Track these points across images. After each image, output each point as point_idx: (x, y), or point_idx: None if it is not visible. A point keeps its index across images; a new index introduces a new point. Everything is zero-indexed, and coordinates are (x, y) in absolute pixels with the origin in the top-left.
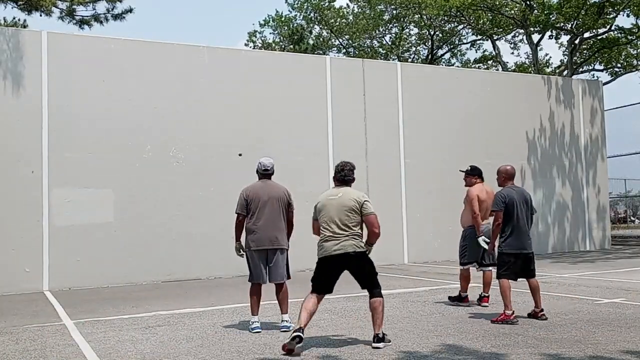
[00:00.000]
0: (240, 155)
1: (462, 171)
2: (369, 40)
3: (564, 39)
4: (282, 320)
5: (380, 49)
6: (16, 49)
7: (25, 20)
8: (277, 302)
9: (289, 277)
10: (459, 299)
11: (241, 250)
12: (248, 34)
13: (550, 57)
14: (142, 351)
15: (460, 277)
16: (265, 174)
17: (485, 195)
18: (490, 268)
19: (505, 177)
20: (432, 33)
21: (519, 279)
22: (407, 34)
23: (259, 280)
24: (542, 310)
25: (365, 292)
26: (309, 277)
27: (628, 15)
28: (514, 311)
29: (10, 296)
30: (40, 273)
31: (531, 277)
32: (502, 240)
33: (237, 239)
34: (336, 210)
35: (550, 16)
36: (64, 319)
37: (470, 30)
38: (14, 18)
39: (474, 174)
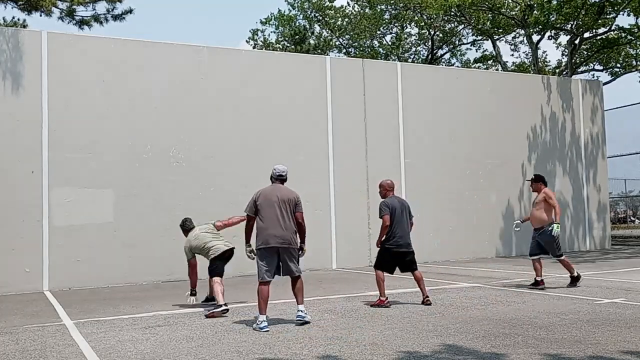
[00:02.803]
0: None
1: (528, 180)
2: (370, 40)
3: (564, 39)
4: (298, 310)
5: (381, 49)
6: (16, 49)
7: (25, 21)
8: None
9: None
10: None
11: (252, 253)
12: (250, 31)
13: (547, 54)
14: (142, 351)
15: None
16: (280, 179)
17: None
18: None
19: (387, 189)
20: (432, 33)
21: (404, 273)
22: (408, 34)
23: (266, 278)
24: (427, 296)
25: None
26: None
27: (628, 15)
28: (387, 297)
29: (10, 296)
30: (40, 273)
31: (414, 270)
32: (386, 239)
33: (247, 241)
34: None
35: (550, 16)
36: (64, 319)
37: (470, 30)
38: (14, 18)
39: (539, 181)
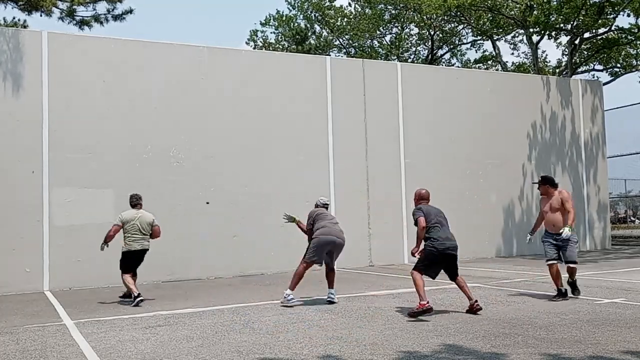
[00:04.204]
0: (207, 203)
1: (535, 183)
2: (370, 41)
3: (564, 39)
4: (329, 293)
5: (381, 49)
6: (16, 49)
7: (25, 21)
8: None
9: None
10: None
11: (298, 223)
12: (250, 32)
13: (547, 54)
14: (142, 351)
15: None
16: (324, 206)
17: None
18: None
19: (418, 198)
20: (432, 33)
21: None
22: (407, 34)
23: (318, 262)
24: (475, 301)
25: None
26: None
27: (628, 15)
28: (428, 301)
29: (10, 296)
30: (40, 273)
31: (457, 275)
32: (431, 242)
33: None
34: None
35: (550, 17)
36: (64, 319)
37: (470, 30)
38: (14, 18)
39: (547, 184)
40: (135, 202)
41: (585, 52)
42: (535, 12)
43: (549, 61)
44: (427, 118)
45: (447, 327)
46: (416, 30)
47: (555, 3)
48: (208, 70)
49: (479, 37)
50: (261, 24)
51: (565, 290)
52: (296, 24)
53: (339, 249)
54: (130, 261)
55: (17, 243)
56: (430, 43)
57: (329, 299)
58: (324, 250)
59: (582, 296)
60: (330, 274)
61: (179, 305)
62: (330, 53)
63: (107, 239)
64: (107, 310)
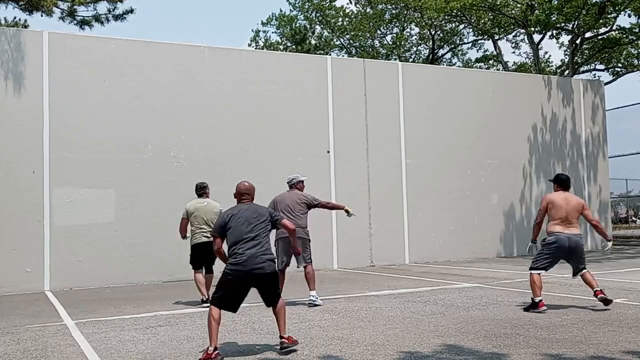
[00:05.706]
0: (328, 152)
1: (550, 180)
2: (370, 40)
3: (565, 38)
4: (310, 296)
5: (382, 49)
6: (17, 49)
7: (25, 21)
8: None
9: (310, 261)
10: (533, 306)
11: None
12: (253, 31)
13: (550, 55)
14: (143, 351)
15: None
16: (290, 185)
17: (562, 201)
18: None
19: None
20: (433, 33)
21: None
22: (408, 33)
23: (286, 265)
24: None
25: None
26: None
27: (629, 15)
28: (215, 347)
29: (11, 296)
30: (41, 273)
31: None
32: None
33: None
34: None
35: (551, 16)
36: (65, 319)
37: (471, 30)
38: (15, 18)
39: (554, 182)
40: (201, 191)
41: (587, 52)
42: (536, 12)
43: (552, 62)
44: (428, 118)
45: (448, 328)
46: (417, 29)
47: (556, 2)
48: (209, 70)
49: (479, 37)
50: (262, 23)
51: (535, 301)
52: (297, 24)
53: (302, 242)
54: (196, 256)
55: (18, 243)
56: (431, 43)
57: (309, 303)
58: (283, 252)
59: (584, 296)
60: (306, 273)
61: (180, 305)
62: (331, 53)
63: (182, 235)
64: (107, 311)
